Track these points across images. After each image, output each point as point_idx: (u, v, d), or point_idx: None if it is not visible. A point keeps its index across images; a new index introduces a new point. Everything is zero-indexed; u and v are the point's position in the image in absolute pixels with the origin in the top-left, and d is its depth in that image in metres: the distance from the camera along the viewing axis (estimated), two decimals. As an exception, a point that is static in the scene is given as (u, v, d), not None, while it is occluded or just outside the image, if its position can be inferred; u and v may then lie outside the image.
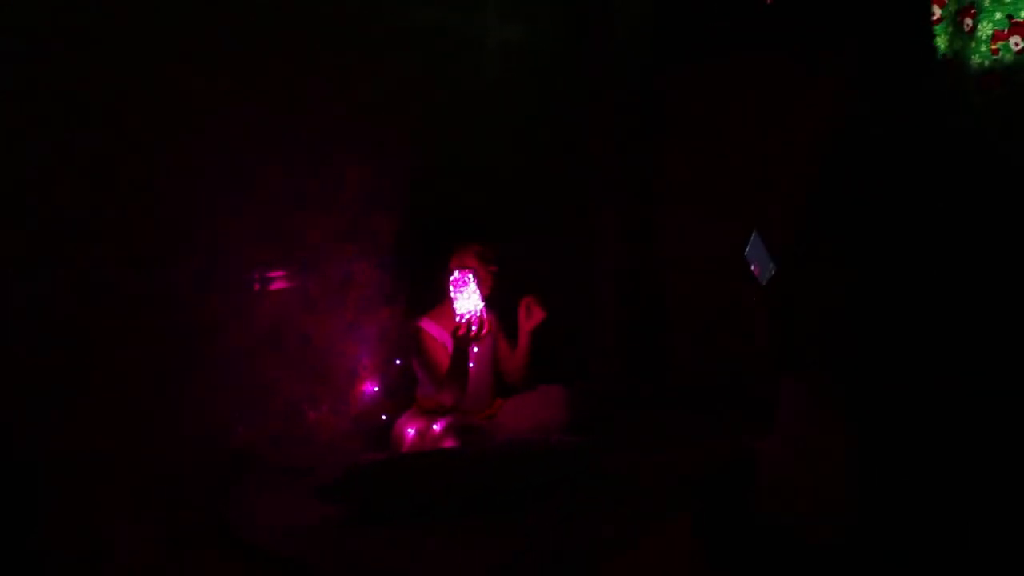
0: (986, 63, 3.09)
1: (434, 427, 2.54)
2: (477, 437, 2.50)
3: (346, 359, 2.60)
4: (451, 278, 2.53)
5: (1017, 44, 3.02)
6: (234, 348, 2.32)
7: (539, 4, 3.21)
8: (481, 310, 2.54)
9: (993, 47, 3.07)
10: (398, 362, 2.74)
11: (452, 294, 2.53)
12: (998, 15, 3.06)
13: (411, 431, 2.58)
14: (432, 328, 2.64)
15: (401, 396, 2.73)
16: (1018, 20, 3.04)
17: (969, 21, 3.11)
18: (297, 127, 2.44)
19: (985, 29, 3.09)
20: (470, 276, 2.54)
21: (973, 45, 3.11)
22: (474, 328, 2.52)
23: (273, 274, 2.41)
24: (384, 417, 2.68)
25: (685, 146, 3.16)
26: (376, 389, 2.70)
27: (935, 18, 3.20)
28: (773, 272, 2.77)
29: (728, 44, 3.14)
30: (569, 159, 3.32)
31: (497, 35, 3.03)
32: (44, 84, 1.94)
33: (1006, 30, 3.06)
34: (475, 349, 2.65)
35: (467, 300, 2.54)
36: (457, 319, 2.51)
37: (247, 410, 2.36)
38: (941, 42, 3.19)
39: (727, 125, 3.07)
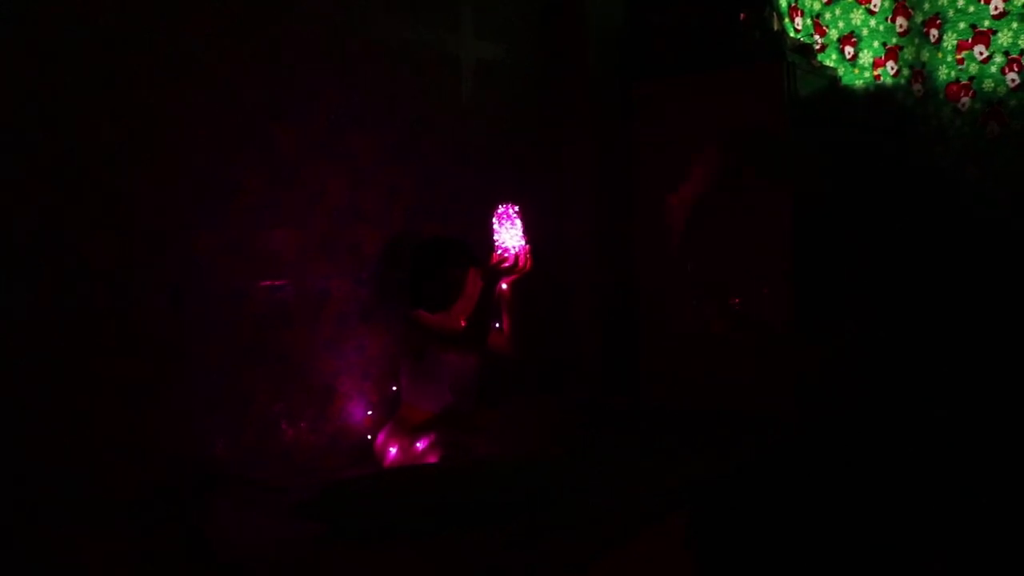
0: (953, 73, 3.16)
1: (417, 444, 2.50)
2: (460, 452, 2.46)
3: (324, 375, 2.55)
4: (497, 212, 2.51)
5: (982, 53, 3.09)
6: (209, 364, 2.27)
7: (514, 21, 3.24)
8: (522, 249, 2.51)
9: (959, 57, 3.13)
10: (394, 388, 2.69)
11: (495, 227, 2.50)
12: (962, 25, 3.14)
13: (393, 450, 2.53)
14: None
15: (385, 414, 2.68)
16: (982, 29, 3.11)
17: (935, 32, 3.18)
18: (274, 139, 2.42)
19: (950, 39, 3.16)
20: (516, 211, 2.51)
21: (940, 56, 3.17)
22: (509, 262, 2.48)
23: (249, 288, 2.37)
24: (368, 437, 2.63)
25: (660, 160, 3.17)
26: (358, 406, 2.65)
27: (901, 31, 3.27)
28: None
29: (701, 59, 3.18)
30: (544, 174, 3.32)
31: (473, 52, 3.04)
32: (8, 89, 1.90)
33: (970, 39, 3.13)
34: (504, 286, 2.61)
35: (509, 235, 2.51)
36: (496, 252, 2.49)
37: (223, 426, 2.30)
38: (908, 53, 3.26)
39: (700, 140, 3.09)
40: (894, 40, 3.28)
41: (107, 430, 2.06)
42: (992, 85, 3.04)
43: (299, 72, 2.47)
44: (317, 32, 2.52)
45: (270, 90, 2.40)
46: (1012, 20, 3.00)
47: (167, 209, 2.19)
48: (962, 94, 3.10)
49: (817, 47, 3.44)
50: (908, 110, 3.23)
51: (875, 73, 3.34)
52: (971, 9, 3.06)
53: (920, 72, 3.20)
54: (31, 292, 1.95)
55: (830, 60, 3.44)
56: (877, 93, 3.33)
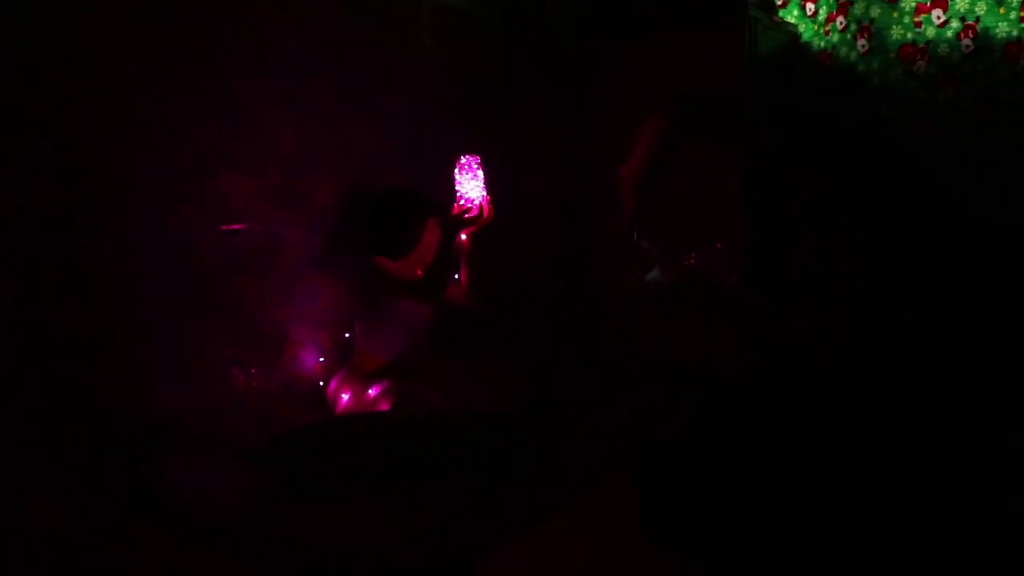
0: (909, 35, 3.18)
1: (369, 391, 2.51)
2: (412, 401, 2.49)
3: (276, 323, 2.54)
4: (459, 162, 2.48)
5: (939, 18, 3.11)
6: (158, 313, 2.24)
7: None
8: (483, 199, 2.50)
9: (916, 20, 3.15)
10: (347, 336, 2.69)
11: (457, 177, 2.48)
12: (921, -12, 3.14)
13: (345, 396, 2.54)
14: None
15: (338, 361, 2.68)
16: (940, -6, 3.11)
17: (893, -9, 3.18)
18: (225, 85, 2.35)
19: (909, 2, 3.17)
20: (478, 163, 2.49)
21: (896, 15, 3.18)
22: (471, 213, 2.48)
23: (199, 236, 2.33)
24: (321, 383, 2.64)
25: (618, 118, 3.15)
26: (310, 352, 2.65)
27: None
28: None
29: (663, 14, 3.14)
30: (503, 127, 3.29)
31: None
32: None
33: (929, 3, 3.15)
34: (463, 237, 2.60)
35: (471, 186, 2.49)
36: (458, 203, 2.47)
37: (173, 375, 2.29)
38: (858, 9, 3.26)
39: (657, 95, 3.08)
40: (847, -5, 3.30)
41: (53, 381, 2.03)
42: (947, 50, 3.08)
43: (253, 19, 2.39)
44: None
45: (222, 37, 2.32)
46: (970, -14, 3.03)
47: (116, 157, 2.13)
48: (918, 57, 3.14)
49: (779, 3, 3.43)
50: (852, 65, 3.25)
51: (826, 28, 3.35)
52: (931, -27, 3.08)
53: (867, 28, 3.22)
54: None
55: (792, 16, 3.43)
56: (827, 49, 3.35)
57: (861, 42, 3.24)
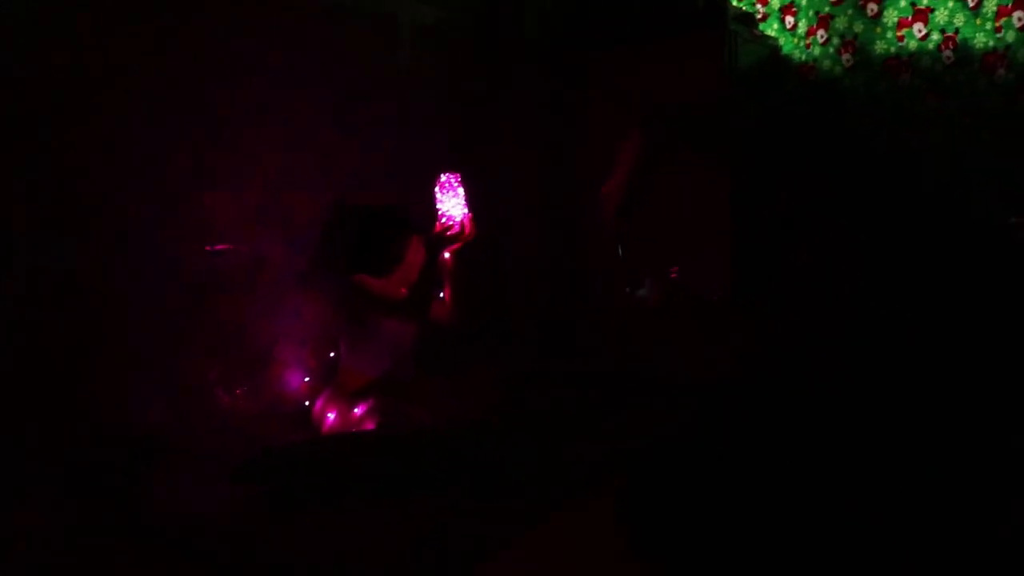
0: (892, 49, 3.21)
1: (355, 410, 2.51)
2: (398, 419, 2.48)
3: (260, 341, 2.53)
4: (439, 181, 2.48)
5: (920, 31, 3.14)
6: (143, 332, 2.24)
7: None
8: (465, 217, 2.50)
9: (899, 34, 3.18)
10: (332, 355, 2.69)
11: (438, 196, 2.48)
12: (903, 3, 3.18)
13: (331, 416, 2.54)
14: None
15: (323, 380, 2.68)
16: (921, 7, 3.15)
17: (874, 6, 3.22)
18: (208, 104, 2.36)
19: (891, 16, 3.20)
20: (459, 181, 2.49)
21: (879, 31, 3.21)
22: (452, 231, 2.48)
23: (183, 255, 2.33)
24: (307, 403, 2.63)
25: (602, 131, 3.18)
26: (296, 372, 2.65)
27: (835, 0, 3.30)
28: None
29: (644, 27, 3.17)
30: (485, 142, 3.30)
31: (410, 14, 2.98)
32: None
33: (910, 17, 3.18)
34: (446, 256, 2.60)
35: (452, 204, 2.49)
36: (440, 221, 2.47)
37: (158, 394, 2.28)
38: (840, 23, 3.29)
39: (642, 111, 3.10)
40: (827, 9, 3.32)
41: (39, 398, 2.02)
42: (930, 62, 3.11)
43: (233, 36, 2.40)
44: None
45: (203, 53, 2.34)
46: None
47: (99, 175, 2.13)
48: (902, 70, 3.17)
49: (759, 16, 3.46)
50: (836, 79, 3.28)
51: (807, 42, 3.37)
52: (911, -13, 3.12)
53: (851, 43, 3.25)
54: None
55: (771, 29, 3.46)
56: (808, 62, 3.38)
57: (846, 56, 3.27)
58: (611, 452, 2.27)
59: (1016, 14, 2.97)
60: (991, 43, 3.01)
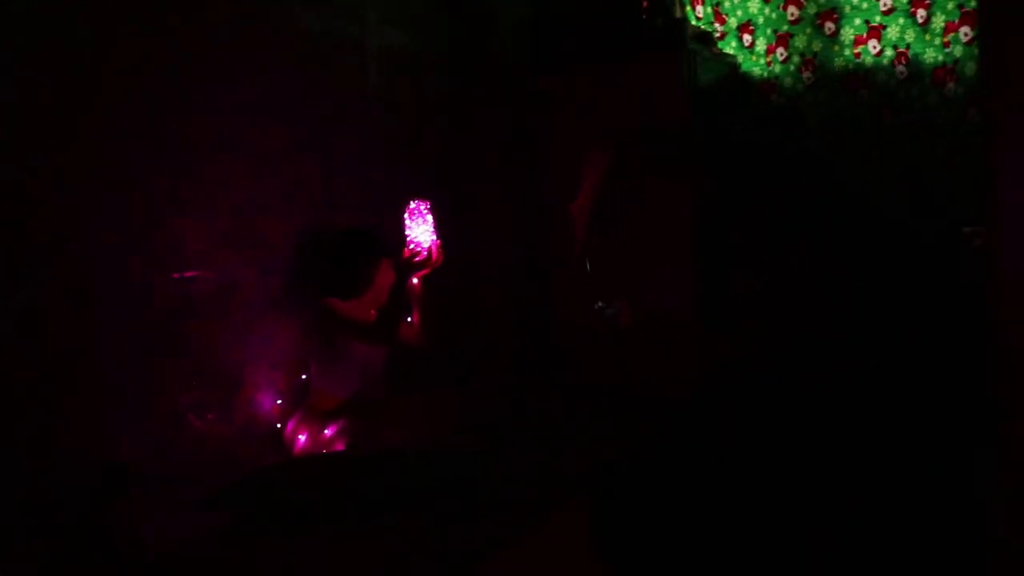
0: (850, 66, 3.30)
1: (325, 432, 2.53)
2: (368, 441, 2.50)
3: (232, 365, 2.55)
4: (408, 208, 2.54)
5: (875, 47, 3.23)
6: (113, 358, 2.24)
7: (419, 8, 3.21)
8: (433, 244, 2.55)
9: (855, 51, 3.27)
10: (304, 377, 2.71)
11: (407, 223, 2.53)
12: (857, 20, 3.27)
13: (302, 437, 2.55)
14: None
15: (295, 402, 2.69)
16: (874, 24, 3.24)
17: (831, 25, 3.31)
18: (175, 130, 2.38)
19: (847, 34, 3.29)
20: (427, 208, 2.55)
21: (836, 48, 3.30)
22: (421, 257, 2.53)
23: (153, 281, 2.34)
24: (279, 425, 2.65)
25: (566, 153, 3.22)
26: (267, 394, 2.66)
27: (792, 19, 3.38)
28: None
29: (605, 49, 3.23)
30: (454, 166, 3.33)
31: (377, 38, 3.01)
32: None
33: (865, 34, 3.27)
34: (415, 281, 2.65)
35: (420, 231, 2.54)
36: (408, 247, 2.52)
37: (129, 421, 2.28)
38: (799, 42, 3.37)
39: (605, 132, 3.15)
40: (785, 27, 3.40)
41: (9, 428, 2.02)
42: (885, 78, 3.19)
43: (200, 61, 2.43)
44: (219, 19, 2.46)
45: (170, 80, 2.36)
46: (899, 16, 3.15)
47: (67, 203, 2.13)
48: (859, 86, 3.25)
49: (717, 35, 3.54)
50: (798, 96, 3.36)
51: (767, 60, 3.45)
52: (864, 5, 3.20)
53: (811, 61, 3.33)
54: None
55: (730, 48, 3.53)
56: (769, 80, 3.46)
57: (806, 74, 3.34)
58: (584, 467, 2.30)
59: (963, 29, 3.07)
60: (940, 58, 3.11)
